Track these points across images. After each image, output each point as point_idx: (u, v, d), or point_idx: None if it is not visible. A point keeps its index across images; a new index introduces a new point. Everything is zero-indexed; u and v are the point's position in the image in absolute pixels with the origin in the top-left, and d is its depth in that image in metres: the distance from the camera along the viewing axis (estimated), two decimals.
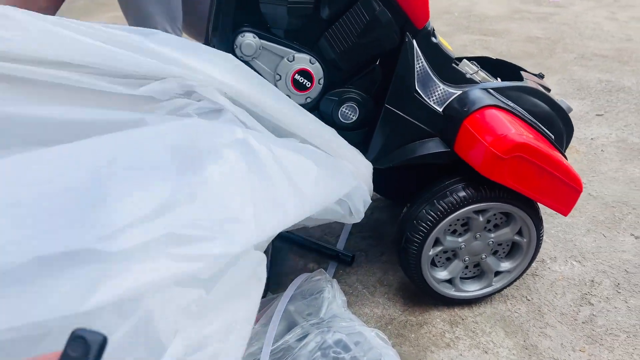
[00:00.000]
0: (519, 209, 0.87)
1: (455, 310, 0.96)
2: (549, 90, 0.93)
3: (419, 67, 0.81)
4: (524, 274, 1.03)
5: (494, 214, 0.89)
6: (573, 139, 1.52)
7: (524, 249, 0.92)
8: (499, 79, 0.94)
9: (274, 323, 0.80)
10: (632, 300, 0.98)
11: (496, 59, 1.02)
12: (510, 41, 2.38)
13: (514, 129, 0.79)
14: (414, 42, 0.79)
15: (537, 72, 0.97)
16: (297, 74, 0.80)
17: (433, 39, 0.81)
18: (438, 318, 0.95)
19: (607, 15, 2.72)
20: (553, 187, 0.83)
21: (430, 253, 0.88)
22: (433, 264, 0.92)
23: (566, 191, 0.84)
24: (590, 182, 1.33)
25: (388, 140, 0.87)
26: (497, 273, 0.96)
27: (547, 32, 2.49)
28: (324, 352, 0.75)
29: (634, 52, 2.21)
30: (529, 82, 0.90)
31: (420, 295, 0.99)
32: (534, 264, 1.07)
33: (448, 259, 0.93)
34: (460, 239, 0.89)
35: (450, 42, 2.40)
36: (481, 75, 0.90)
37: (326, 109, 0.85)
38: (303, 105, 0.82)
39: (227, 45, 0.78)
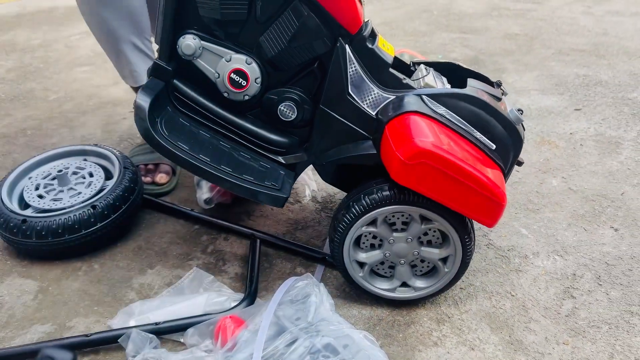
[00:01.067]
0: (443, 218, 0.86)
1: (442, 308, 0.98)
2: (499, 99, 0.90)
3: (352, 71, 0.86)
4: (503, 267, 1.05)
5: (434, 231, 0.89)
6: (553, 134, 1.55)
7: (441, 274, 0.93)
8: (448, 85, 0.95)
9: (263, 329, 0.81)
10: (613, 292, 1.00)
11: (456, 65, 1.01)
12: (489, 38, 2.41)
13: (423, 137, 0.79)
14: (347, 47, 0.84)
15: (495, 80, 0.97)
16: (232, 73, 0.88)
17: (368, 44, 0.85)
18: (425, 317, 0.96)
19: (583, 10, 2.76)
20: (467, 197, 0.80)
21: (364, 229, 0.89)
22: (357, 245, 0.93)
23: (483, 203, 0.81)
24: (571, 177, 1.36)
25: (324, 139, 0.93)
26: (404, 285, 0.96)
27: (525, 28, 2.52)
28: (313, 356, 0.76)
29: (610, 45, 2.25)
30: (473, 89, 0.88)
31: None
32: (516, 260, 1.09)
33: (372, 245, 0.93)
34: (394, 234, 0.89)
35: (430, 40, 2.42)
36: (427, 81, 0.90)
37: (266, 106, 0.92)
38: (242, 102, 0.92)
39: (169, 46, 0.87)
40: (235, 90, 0.90)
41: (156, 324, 0.91)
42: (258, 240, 1.12)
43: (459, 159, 0.79)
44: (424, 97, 0.86)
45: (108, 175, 1.22)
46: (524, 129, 0.92)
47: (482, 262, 1.09)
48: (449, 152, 0.79)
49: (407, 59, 0.99)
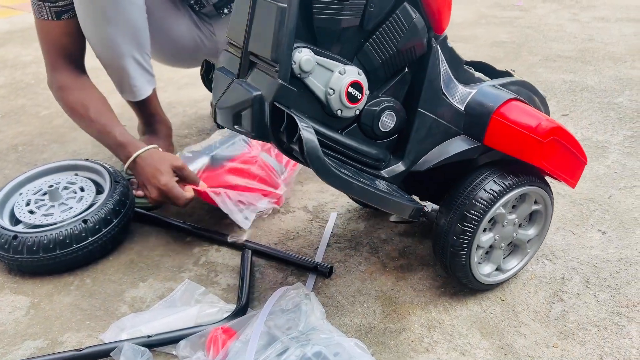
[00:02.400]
0: (540, 187, 0.97)
1: (433, 314, 0.99)
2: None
3: (444, 70, 0.88)
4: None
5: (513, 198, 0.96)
6: None
7: (542, 213, 1.01)
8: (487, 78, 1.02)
9: (253, 340, 0.81)
10: (602, 295, 1.01)
11: (472, 61, 1.09)
12: (478, 46, 2.44)
13: (543, 117, 0.88)
14: (437, 46, 0.86)
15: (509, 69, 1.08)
16: (350, 87, 0.80)
17: (449, 43, 0.88)
18: (416, 323, 0.97)
19: (569, 17, 2.80)
20: (571, 163, 0.95)
21: (476, 259, 0.96)
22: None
23: (579, 166, 0.97)
24: (559, 182, 1.37)
25: (423, 143, 0.92)
26: (497, 269, 1.03)
27: (512, 35, 2.56)
28: None
29: (596, 51, 2.28)
30: (514, 75, 1.00)
31: (398, 303, 1.01)
32: None
33: (487, 253, 1.00)
34: (492, 234, 0.96)
35: None
36: (478, 75, 0.97)
37: (367, 120, 0.87)
38: (346, 119, 0.85)
39: (287, 62, 0.75)
40: (351, 106, 0.82)
41: (148, 336, 0.91)
42: (249, 251, 1.12)
43: (569, 132, 0.91)
44: (497, 86, 0.93)
45: (99, 190, 1.23)
46: None
47: None
48: (564, 127, 0.90)
49: None
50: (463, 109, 0.91)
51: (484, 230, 0.95)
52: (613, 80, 1.97)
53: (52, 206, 1.18)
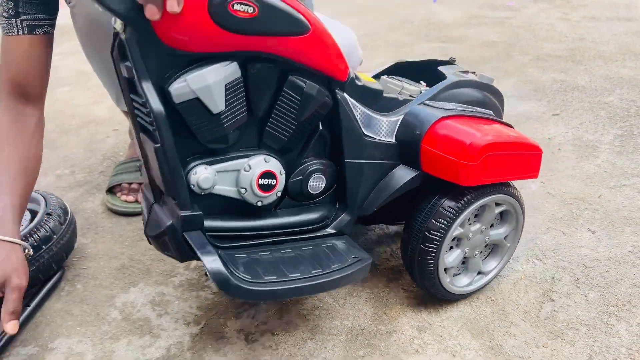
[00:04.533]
0: (499, 194, 0.94)
1: (423, 316, 0.99)
2: (466, 72, 1.01)
3: (359, 113, 0.85)
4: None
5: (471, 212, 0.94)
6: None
7: (511, 211, 0.99)
8: (422, 83, 1.00)
9: None
10: (591, 294, 1.02)
11: (407, 62, 1.08)
12: (469, 47, 2.45)
13: (470, 135, 0.84)
14: (344, 94, 0.83)
15: (448, 59, 1.07)
16: (260, 179, 0.80)
17: (357, 82, 0.85)
18: (407, 325, 0.97)
19: (559, 16, 2.81)
20: (523, 164, 0.92)
21: (450, 259, 0.94)
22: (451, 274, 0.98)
23: (532, 160, 0.94)
24: (549, 181, 1.38)
25: (361, 189, 0.90)
26: (479, 273, 1.02)
27: (503, 35, 2.57)
28: None
29: (586, 51, 2.29)
30: (451, 75, 0.96)
31: (389, 305, 1.01)
32: None
33: (451, 247, 0.96)
34: (471, 228, 0.95)
35: (411, 50, 2.45)
36: (407, 87, 0.94)
37: (295, 192, 0.87)
38: (274, 202, 0.84)
39: (185, 190, 0.75)
40: (267, 194, 0.82)
41: None
42: None
43: (503, 137, 0.86)
44: (426, 102, 0.90)
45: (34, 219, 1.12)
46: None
47: None
48: (494, 134, 0.85)
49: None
50: (393, 139, 0.88)
51: (450, 248, 0.94)
52: (604, 80, 1.98)
53: None
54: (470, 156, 0.82)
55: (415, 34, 2.69)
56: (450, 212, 0.88)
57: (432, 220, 0.89)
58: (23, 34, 1.03)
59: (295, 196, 0.88)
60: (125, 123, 1.85)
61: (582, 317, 0.97)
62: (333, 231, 0.91)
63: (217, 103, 0.72)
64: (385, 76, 0.99)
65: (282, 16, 0.70)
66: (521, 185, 1.35)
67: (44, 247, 1.06)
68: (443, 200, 0.89)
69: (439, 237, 0.89)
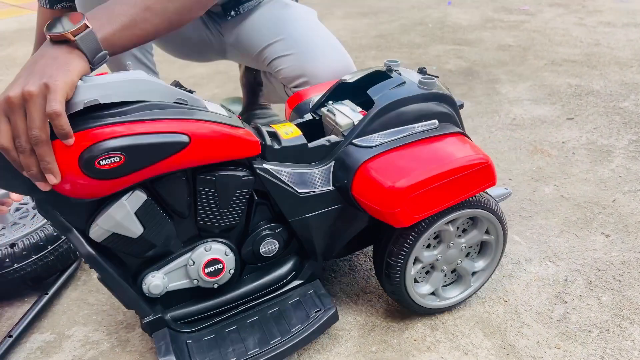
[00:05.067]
0: (476, 209, 0.90)
1: (436, 314, 0.99)
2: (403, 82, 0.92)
3: (286, 176, 0.83)
4: (496, 273, 1.07)
5: (462, 221, 0.92)
6: (545, 143, 1.58)
7: (493, 245, 0.97)
8: (358, 109, 0.93)
9: None
10: (604, 297, 1.02)
11: (354, 81, 0.96)
12: (483, 50, 2.45)
13: (387, 181, 0.79)
14: (264, 165, 0.82)
15: (390, 59, 0.98)
16: (205, 268, 0.84)
17: (276, 146, 0.83)
18: (419, 322, 0.98)
19: (575, 21, 2.80)
20: (465, 181, 0.83)
21: (412, 272, 0.91)
22: (415, 281, 0.94)
23: (476, 175, 0.84)
24: (563, 184, 1.38)
25: (316, 239, 0.90)
26: (474, 273, 1.00)
27: (518, 39, 2.56)
28: None
29: (602, 56, 2.28)
30: (381, 98, 0.87)
31: None
32: (509, 266, 1.11)
33: (427, 273, 0.96)
34: (435, 252, 0.92)
35: (425, 52, 2.46)
36: (340, 121, 0.89)
37: (251, 259, 0.90)
38: (229, 281, 0.88)
39: (143, 302, 0.82)
40: (218, 277, 0.86)
41: None
42: None
43: (428, 170, 0.80)
44: (354, 142, 0.85)
45: None
46: (436, 77, 0.92)
47: None
48: (415, 172, 0.80)
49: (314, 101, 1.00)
50: (331, 186, 0.86)
51: (428, 246, 0.92)
52: (619, 85, 1.97)
53: (4, 227, 1.10)
54: (392, 204, 0.79)
55: (429, 35, 2.69)
56: (405, 243, 0.87)
57: (392, 247, 0.88)
58: (45, 6, 1.22)
59: (253, 263, 0.91)
60: None
61: (595, 319, 0.97)
62: (302, 281, 0.94)
63: (133, 230, 0.76)
64: (331, 102, 0.96)
65: (153, 148, 0.69)
66: (534, 188, 1.36)
67: (62, 237, 1.08)
68: (395, 233, 0.87)
69: (400, 261, 0.88)
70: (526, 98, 1.91)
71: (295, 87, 1.24)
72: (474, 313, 0.99)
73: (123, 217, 0.74)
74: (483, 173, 0.85)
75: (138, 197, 0.74)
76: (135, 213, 0.74)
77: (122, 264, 0.81)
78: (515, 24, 2.82)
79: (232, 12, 1.38)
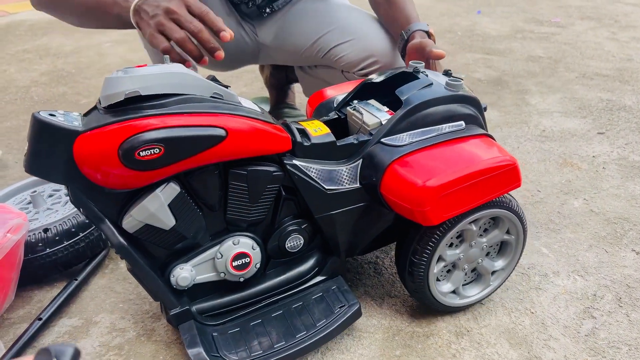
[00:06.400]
0: (500, 209, 0.91)
1: (461, 322, 0.99)
2: (447, 73, 0.95)
3: (314, 173, 0.84)
4: (523, 284, 1.06)
5: (484, 221, 0.92)
6: (575, 156, 1.56)
7: (513, 245, 0.97)
8: (385, 108, 0.93)
9: None
10: (634, 314, 1.00)
11: (380, 81, 0.96)
12: (513, 60, 2.43)
13: (418, 180, 0.79)
14: (294, 161, 0.82)
15: (415, 61, 0.97)
16: (233, 262, 0.85)
17: (305, 143, 0.83)
18: (444, 329, 0.97)
19: (607, 36, 2.77)
20: (492, 183, 0.84)
21: (435, 271, 0.91)
22: (436, 279, 0.94)
23: (505, 175, 0.84)
24: (593, 199, 1.36)
25: (340, 236, 0.90)
26: (493, 272, 1.00)
27: (548, 51, 2.54)
28: None
29: (635, 72, 2.25)
30: (410, 98, 0.87)
31: (428, 308, 1.01)
32: (536, 278, 1.09)
33: (449, 271, 0.96)
34: (458, 251, 0.93)
35: (454, 60, 2.44)
36: (367, 120, 0.89)
37: (276, 254, 0.90)
38: (255, 275, 0.89)
39: (170, 294, 0.83)
40: (245, 271, 0.86)
41: None
42: None
43: (457, 170, 0.80)
44: (382, 140, 0.85)
45: None
46: (462, 79, 0.92)
47: None
48: (444, 171, 0.80)
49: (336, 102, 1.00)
50: (358, 184, 0.86)
51: (450, 245, 0.92)
52: None
53: (37, 212, 1.13)
54: (422, 203, 0.79)
55: (458, 43, 2.68)
56: (430, 241, 0.87)
57: (416, 245, 0.88)
58: None
59: (278, 258, 0.92)
60: None
61: (624, 336, 0.95)
62: (324, 278, 0.95)
63: (166, 222, 0.76)
64: (356, 102, 0.96)
65: (192, 141, 0.70)
66: (563, 201, 1.34)
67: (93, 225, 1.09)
68: (420, 231, 0.88)
69: (425, 259, 0.88)
70: (556, 110, 1.89)
71: (362, 69, 1.27)
72: (500, 323, 0.99)
73: (157, 208, 0.74)
74: (509, 174, 0.85)
75: (172, 189, 0.75)
76: (169, 205, 0.75)
77: (151, 256, 0.82)
78: (546, 36, 2.79)
79: (267, 9, 1.39)
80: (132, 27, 0.93)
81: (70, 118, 0.69)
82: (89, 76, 2.24)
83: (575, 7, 3.38)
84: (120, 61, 2.44)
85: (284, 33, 1.39)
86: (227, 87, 0.78)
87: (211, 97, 0.74)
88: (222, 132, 0.72)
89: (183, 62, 0.88)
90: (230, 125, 0.73)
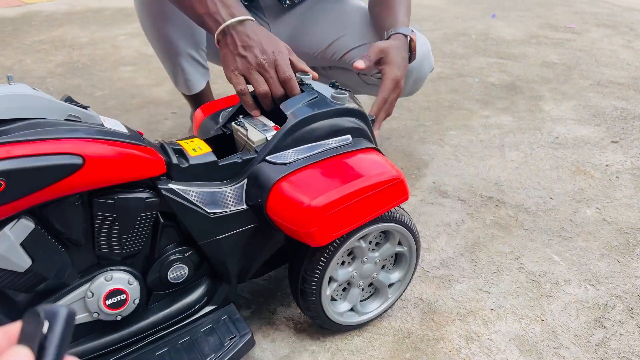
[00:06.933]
0: (388, 222, 0.89)
1: (472, 327, 0.99)
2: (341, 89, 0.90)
3: (195, 196, 0.77)
4: (534, 291, 1.06)
5: (374, 235, 0.90)
6: (588, 164, 1.56)
7: (407, 256, 0.96)
8: (271, 124, 0.89)
9: None
10: None
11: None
12: (527, 65, 2.42)
13: (303, 200, 0.75)
14: (170, 185, 0.75)
15: (301, 72, 0.93)
16: (107, 299, 0.75)
17: (183, 164, 0.77)
18: (454, 334, 0.97)
19: (623, 44, 2.75)
20: (379, 198, 0.81)
21: (328, 292, 0.89)
22: (332, 299, 0.92)
23: (392, 190, 0.82)
24: (605, 208, 1.36)
25: (229, 261, 0.84)
26: (390, 285, 0.98)
27: (563, 57, 2.53)
28: None
29: None
30: (292, 115, 0.83)
31: (438, 312, 1.02)
32: (548, 286, 1.09)
33: (344, 290, 0.94)
34: (350, 269, 0.90)
35: (467, 63, 2.44)
36: (252, 136, 0.85)
37: (157, 287, 0.82)
38: (135, 311, 0.79)
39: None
40: (122, 309, 0.77)
41: None
42: None
43: (343, 189, 0.77)
44: (267, 158, 0.81)
45: None
46: (351, 93, 0.90)
47: (512, 284, 1.10)
48: (330, 190, 0.77)
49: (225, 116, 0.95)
50: (244, 205, 0.81)
51: (342, 263, 0.89)
52: None
53: None
54: (308, 224, 0.75)
55: (472, 47, 2.67)
56: (319, 262, 0.85)
57: (306, 266, 0.86)
58: None
59: (161, 290, 0.83)
60: (183, 107, 1.90)
61: (635, 347, 0.95)
62: (213, 308, 0.87)
63: (19, 264, 0.66)
64: (241, 116, 0.91)
65: (40, 172, 0.61)
66: (575, 209, 1.34)
67: None
68: (309, 252, 0.85)
69: (315, 280, 0.86)
70: (570, 117, 1.89)
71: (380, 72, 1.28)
72: (510, 329, 0.99)
73: (6, 249, 0.64)
74: (396, 188, 0.83)
75: (24, 226, 0.65)
76: (22, 244, 0.66)
77: (9, 300, 0.72)
78: (561, 42, 2.78)
79: (287, 2, 1.40)
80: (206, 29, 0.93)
81: None
82: (104, 69, 2.26)
83: (590, 13, 3.36)
84: (134, 54, 2.45)
85: (299, 33, 1.39)
86: (86, 107, 0.71)
87: (65, 120, 0.66)
88: (77, 160, 0.63)
89: (254, 109, 0.89)
90: (87, 152, 0.64)
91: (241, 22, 0.89)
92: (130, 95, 2.02)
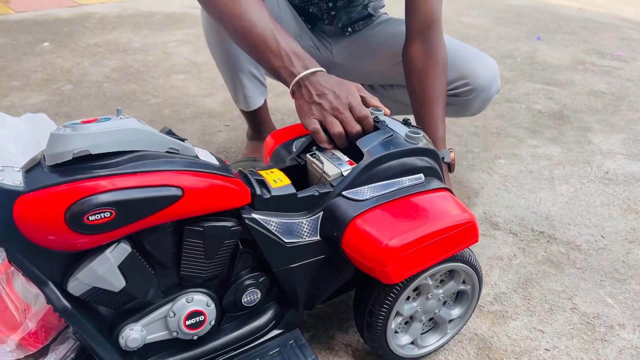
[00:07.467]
0: (457, 262, 0.91)
1: None
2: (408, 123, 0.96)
3: (274, 226, 0.81)
4: (588, 334, 1.07)
5: (440, 274, 0.92)
6: (638, 203, 1.55)
7: (469, 294, 0.98)
8: (345, 158, 0.92)
9: None
10: None
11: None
12: (574, 93, 2.41)
13: (379, 239, 0.78)
14: (253, 215, 0.79)
15: (374, 107, 0.96)
16: (187, 320, 0.79)
17: (265, 195, 0.80)
18: None
19: None
20: (451, 240, 0.83)
21: (393, 326, 0.91)
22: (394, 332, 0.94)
23: (463, 233, 0.85)
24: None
25: (299, 289, 0.88)
26: (450, 321, 1.00)
27: (611, 87, 2.51)
28: None
29: None
30: (370, 151, 0.87)
31: (493, 348, 1.03)
32: (602, 329, 1.10)
33: (406, 323, 0.96)
34: (415, 304, 0.92)
35: (514, 88, 2.44)
36: (327, 170, 0.88)
37: (232, 309, 0.86)
38: (209, 332, 0.83)
39: (113, 345, 0.76)
40: (199, 330, 0.82)
41: None
42: None
43: (419, 227, 0.80)
44: (344, 194, 0.84)
45: None
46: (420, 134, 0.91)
47: (566, 325, 1.11)
48: (406, 230, 0.79)
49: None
50: (318, 237, 0.84)
51: (407, 298, 0.91)
52: None
53: None
54: (384, 262, 0.78)
55: (518, 70, 2.67)
56: (388, 297, 0.87)
57: (374, 300, 0.88)
58: None
59: (234, 312, 0.87)
60: (235, 119, 1.94)
61: None
62: (282, 330, 0.91)
63: (115, 284, 0.71)
64: (315, 148, 0.94)
65: (145, 203, 0.66)
66: (628, 250, 1.34)
67: None
68: (378, 287, 0.88)
69: (382, 314, 0.88)
70: (620, 152, 1.88)
71: (452, 89, 1.32)
72: None
73: (106, 270, 0.70)
74: (468, 232, 0.85)
75: (123, 250, 0.70)
76: (119, 266, 0.71)
77: (98, 317, 0.76)
78: (608, 70, 2.76)
79: (349, 29, 1.44)
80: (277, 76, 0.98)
81: (10, 174, 0.64)
82: (156, 76, 2.32)
83: (638, 40, 3.33)
84: (185, 62, 2.51)
85: (363, 52, 1.42)
86: (183, 140, 0.75)
87: (167, 152, 0.71)
88: (178, 192, 0.68)
89: (328, 144, 0.92)
90: (186, 184, 0.69)
91: (314, 73, 0.93)
92: (183, 104, 2.07)
